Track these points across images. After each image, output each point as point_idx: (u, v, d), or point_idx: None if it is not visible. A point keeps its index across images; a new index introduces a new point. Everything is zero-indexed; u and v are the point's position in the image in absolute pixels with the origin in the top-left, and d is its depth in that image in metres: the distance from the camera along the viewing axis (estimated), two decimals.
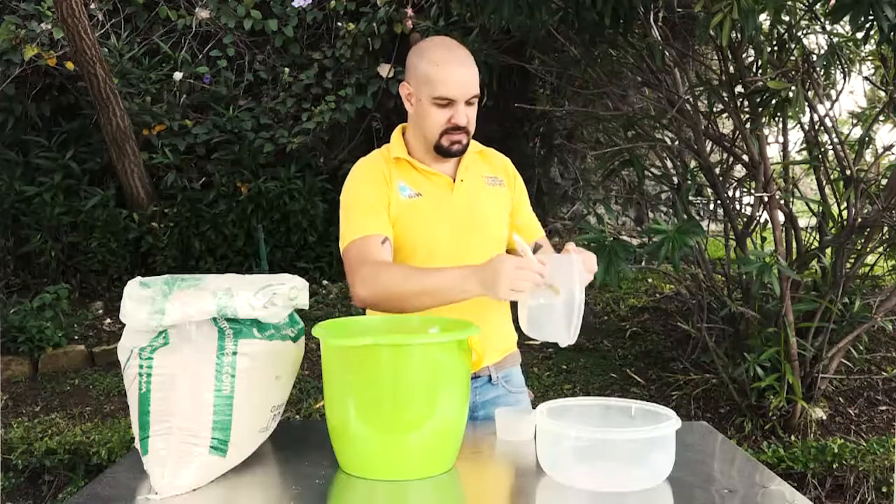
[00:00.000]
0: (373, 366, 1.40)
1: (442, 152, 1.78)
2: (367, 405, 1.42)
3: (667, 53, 3.41)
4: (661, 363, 4.13)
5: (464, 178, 1.83)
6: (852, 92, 6.72)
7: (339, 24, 5.32)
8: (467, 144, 1.79)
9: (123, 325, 1.45)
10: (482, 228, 1.82)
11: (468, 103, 1.74)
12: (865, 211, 3.41)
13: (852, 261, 3.55)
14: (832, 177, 3.58)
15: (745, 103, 3.30)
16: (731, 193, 3.79)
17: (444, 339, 1.49)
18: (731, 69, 3.26)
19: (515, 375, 1.95)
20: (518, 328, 1.89)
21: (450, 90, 1.71)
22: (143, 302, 1.39)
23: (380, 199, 1.77)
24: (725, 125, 4.10)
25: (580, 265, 1.56)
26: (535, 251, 1.75)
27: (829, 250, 3.56)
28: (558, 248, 1.84)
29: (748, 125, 3.29)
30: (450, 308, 1.65)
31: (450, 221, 1.79)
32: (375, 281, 1.64)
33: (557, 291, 1.54)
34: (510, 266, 1.50)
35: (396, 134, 1.87)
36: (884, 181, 3.47)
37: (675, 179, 3.64)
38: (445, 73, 1.70)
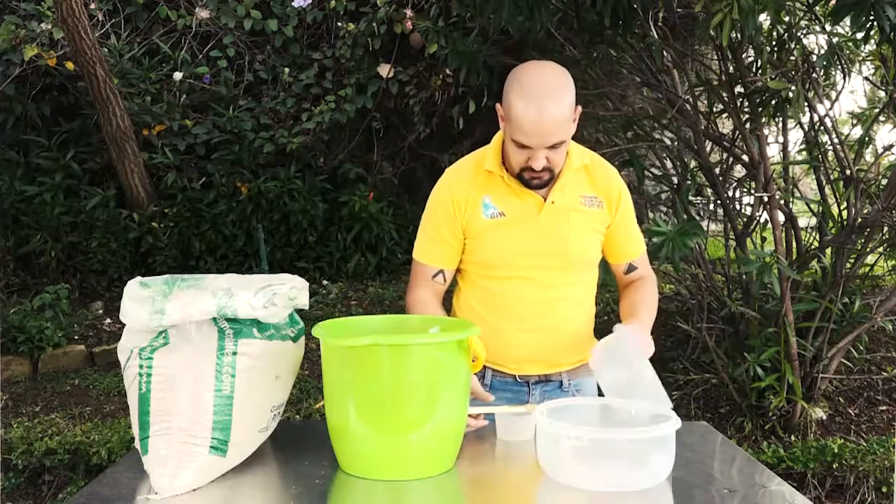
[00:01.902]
0: (373, 366, 1.40)
1: (523, 183, 1.74)
2: (367, 405, 1.42)
3: (666, 53, 3.41)
4: (661, 363, 4.13)
5: (556, 199, 1.77)
6: (852, 92, 6.71)
7: (339, 24, 5.32)
8: (550, 180, 1.73)
9: (123, 325, 1.45)
10: (564, 253, 1.78)
11: (552, 147, 1.66)
12: (865, 211, 3.41)
13: (852, 261, 3.55)
14: (832, 177, 3.58)
15: (745, 103, 3.30)
16: (731, 193, 3.79)
17: (444, 339, 1.49)
18: (731, 69, 3.26)
19: (588, 386, 1.91)
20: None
21: (525, 138, 1.64)
22: (143, 302, 1.39)
23: (449, 228, 1.79)
24: (725, 125, 4.09)
25: (633, 340, 1.61)
26: (627, 272, 1.90)
27: (829, 250, 3.56)
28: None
29: (748, 125, 3.29)
30: (527, 310, 1.77)
31: (531, 244, 1.77)
32: (409, 309, 1.83)
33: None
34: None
35: (496, 141, 1.80)
36: (884, 181, 3.47)
37: (675, 179, 3.64)
38: (524, 119, 1.62)
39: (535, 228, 1.77)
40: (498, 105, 1.73)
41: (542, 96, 1.62)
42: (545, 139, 1.64)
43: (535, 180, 1.71)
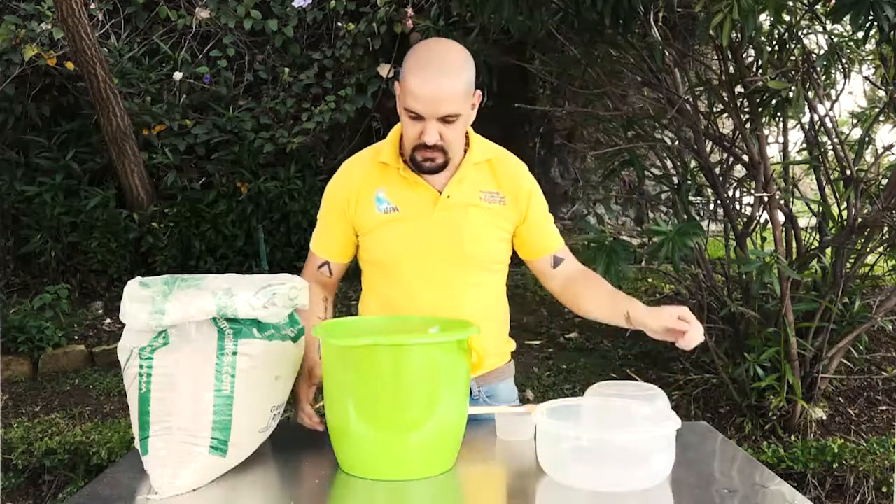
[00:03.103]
0: (373, 366, 1.40)
1: (416, 167, 1.67)
2: (367, 405, 1.42)
3: (667, 53, 3.41)
4: (661, 363, 4.13)
5: (452, 193, 1.70)
6: (852, 92, 6.71)
7: (339, 24, 5.32)
8: (444, 164, 1.65)
9: (123, 325, 1.45)
10: (459, 250, 1.70)
11: (445, 121, 1.59)
12: (865, 211, 3.41)
13: (852, 261, 3.54)
14: (832, 177, 3.58)
15: (745, 103, 3.30)
16: (731, 193, 3.78)
17: (444, 339, 1.49)
18: (731, 69, 3.26)
19: (503, 391, 1.85)
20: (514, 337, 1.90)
21: (417, 105, 1.57)
22: (143, 302, 1.38)
23: (337, 222, 1.75)
24: (725, 125, 4.09)
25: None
26: (555, 265, 1.81)
27: (829, 250, 3.56)
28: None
29: (748, 125, 3.29)
30: (426, 314, 1.66)
31: (424, 240, 1.68)
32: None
33: None
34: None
35: (393, 133, 1.74)
36: (884, 181, 3.47)
37: (675, 179, 3.64)
38: (415, 84, 1.56)
39: (430, 224, 1.68)
40: (396, 83, 1.65)
41: (439, 65, 1.58)
42: (438, 106, 1.56)
43: (428, 162, 1.63)
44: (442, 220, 1.70)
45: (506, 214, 1.75)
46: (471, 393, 1.78)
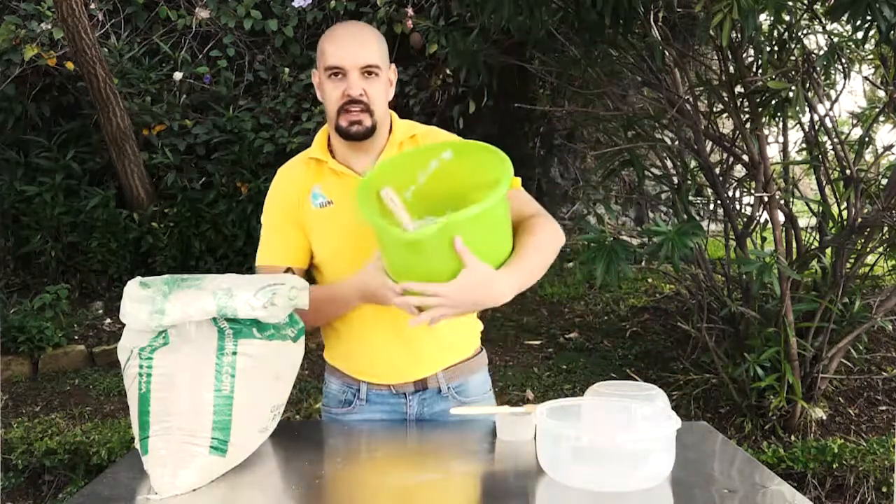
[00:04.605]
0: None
1: (343, 135, 1.64)
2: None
3: (667, 53, 3.41)
4: (661, 363, 4.13)
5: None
6: (852, 92, 6.70)
7: None
8: (371, 127, 1.63)
9: (123, 325, 1.45)
10: None
11: (365, 74, 1.61)
12: (865, 211, 3.41)
13: (852, 261, 3.55)
14: (832, 177, 3.59)
15: (745, 103, 3.30)
16: (731, 193, 3.79)
17: (498, 194, 1.42)
18: (731, 69, 3.26)
19: (473, 385, 1.80)
20: (482, 331, 1.87)
21: (336, 57, 1.60)
22: (143, 302, 1.38)
23: (288, 220, 1.70)
24: (725, 125, 4.09)
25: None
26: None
27: (829, 250, 3.56)
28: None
29: (748, 125, 3.29)
30: (389, 313, 1.60)
31: (357, 230, 1.58)
32: None
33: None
34: (374, 279, 1.51)
35: (321, 132, 1.74)
36: (884, 181, 3.47)
37: (675, 179, 3.64)
38: (333, 41, 1.62)
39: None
40: (314, 70, 1.69)
41: (352, 23, 1.71)
42: (357, 52, 1.60)
43: (355, 126, 1.61)
44: None
45: None
46: (439, 391, 1.76)
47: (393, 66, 1.70)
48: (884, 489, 3.10)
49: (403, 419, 1.77)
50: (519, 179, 1.51)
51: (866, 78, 3.89)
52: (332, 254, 1.70)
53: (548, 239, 1.59)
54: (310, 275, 1.76)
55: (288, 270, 1.66)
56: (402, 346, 1.72)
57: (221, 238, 5.14)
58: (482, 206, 1.38)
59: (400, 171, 1.56)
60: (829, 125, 3.48)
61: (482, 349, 1.86)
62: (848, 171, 3.42)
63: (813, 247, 3.62)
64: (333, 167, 1.69)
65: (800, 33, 3.28)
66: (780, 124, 3.57)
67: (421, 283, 1.43)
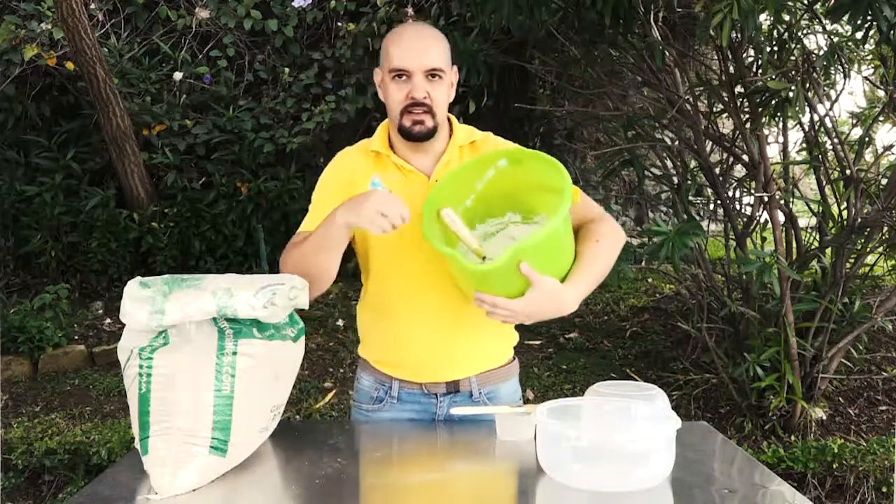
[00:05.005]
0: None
1: (406, 135, 1.68)
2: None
3: (667, 53, 3.41)
4: (661, 363, 4.13)
5: (440, 177, 1.68)
6: (852, 92, 6.70)
7: (339, 24, 5.32)
8: (433, 128, 1.67)
9: (123, 325, 1.45)
10: None
11: (430, 77, 1.64)
12: (865, 211, 3.41)
13: (852, 261, 3.55)
14: (832, 177, 3.59)
15: (745, 103, 3.30)
16: (731, 193, 3.79)
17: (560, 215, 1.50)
18: (731, 69, 3.26)
19: (504, 392, 1.81)
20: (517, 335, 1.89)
21: (401, 59, 1.63)
22: (143, 302, 1.38)
23: (335, 198, 1.66)
24: (725, 125, 4.09)
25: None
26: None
27: (829, 250, 3.56)
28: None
29: (748, 125, 3.29)
30: (428, 311, 1.68)
31: (415, 227, 1.61)
32: (287, 255, 1.65)
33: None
34: (379, 194, 1.53)
35: (381, 127, 1.80)
36: (884, 181, 3.47)
37: (675, 179, 3.64)
38: (398, 42, 1.65)
39: (420, 211, 1.63)
40: (376, 69, 1.74)
41: (417, 25, 1.73)
42: (423, 56, 1.63)
43: (418, 126, 1.65)
44: None
45: None
46: (470, 395, 1.77)
47: (454, 67, 1.73)
48: (884, 489, 3.10)
49: (433, 419, 1.79)
50: (580, 191, 1.65)
51: (866, 78, 3.89)
52: (378, 241, 1.71)
53: (608, 243, 1.66)
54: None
55: None
56: (436, 346, 1.74)
57: (221, 238, 5.14)
58: (546, 230, 1.49)
59: (460, 184, 1.65)
60: (829, 125, 3.48)
61: (515, 358, 1.87)
62: (848, 171, 3.42)
63: (813, 247, 3.62)
64: (395, 161, 1.73)
65: (800, 33, 3.28)
66: (780, 124, 3.57)
67: (492, 296, 1.53)
